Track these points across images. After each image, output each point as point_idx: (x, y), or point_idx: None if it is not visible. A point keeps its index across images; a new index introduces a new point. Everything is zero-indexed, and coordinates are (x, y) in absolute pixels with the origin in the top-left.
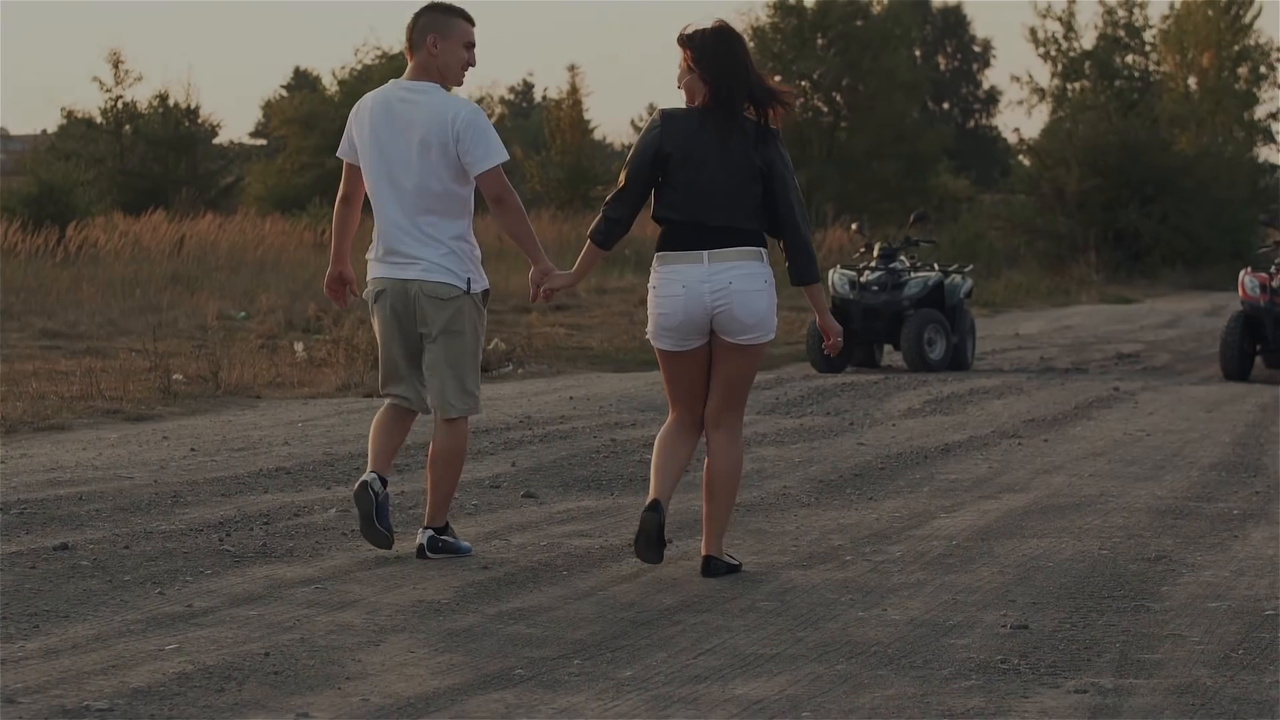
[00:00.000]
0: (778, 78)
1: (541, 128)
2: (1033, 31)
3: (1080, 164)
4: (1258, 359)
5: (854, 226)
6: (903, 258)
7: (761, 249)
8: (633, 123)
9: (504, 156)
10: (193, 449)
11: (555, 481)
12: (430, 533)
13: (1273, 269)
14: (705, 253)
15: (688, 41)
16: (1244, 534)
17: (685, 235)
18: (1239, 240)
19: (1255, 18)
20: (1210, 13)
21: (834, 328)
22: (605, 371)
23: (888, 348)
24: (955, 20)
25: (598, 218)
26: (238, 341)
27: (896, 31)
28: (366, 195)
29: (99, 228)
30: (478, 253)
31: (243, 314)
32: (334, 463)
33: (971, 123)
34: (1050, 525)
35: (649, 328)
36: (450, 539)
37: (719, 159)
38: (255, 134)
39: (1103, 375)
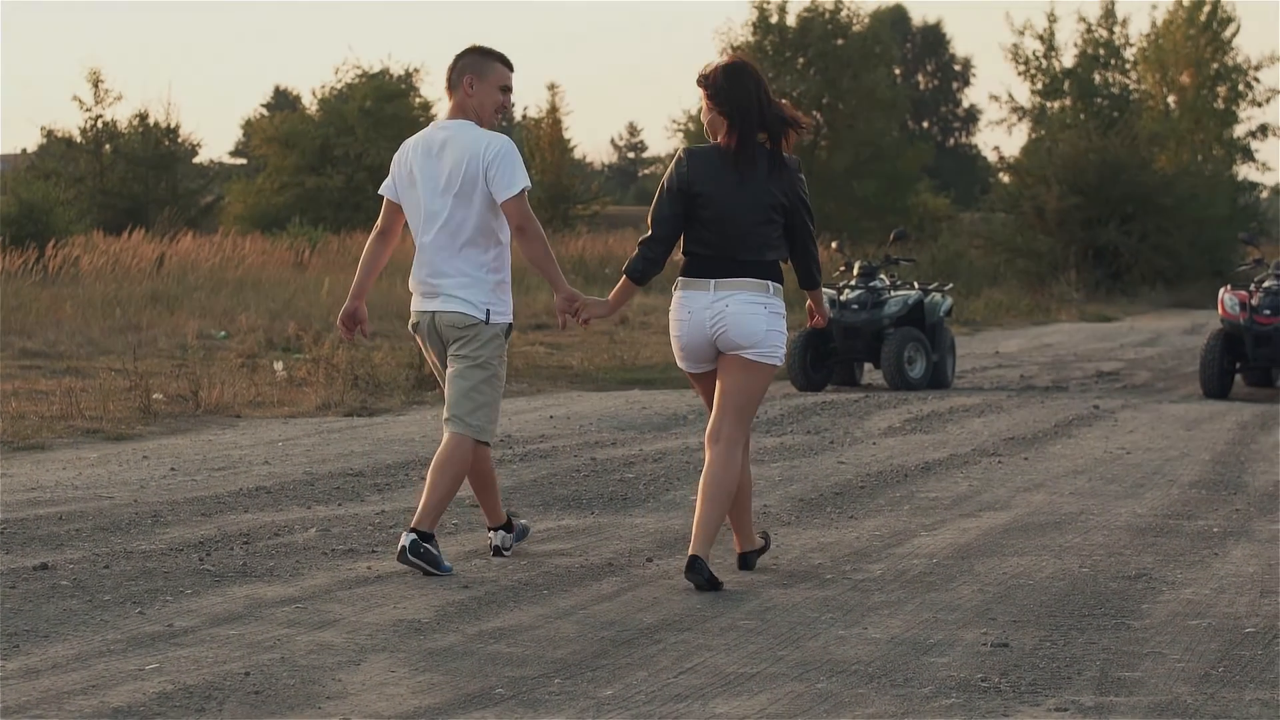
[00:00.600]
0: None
1: (521, 146)
2: (1013, 49)
3: (1060, 182)
4: (1237, 377)
5: (834, 245)
6: (882, 276)
7: (771, 282)
8: (612, 141)
9: (526, 184)
10: (173, 468)
11: (535, 500)
12: (414, 536)
13: (1252, 287)
14: (712, 281)
15: (703, 82)
16: (1224, 551)
17: (705, 265)
18: (1218, 258)
19: (1234, 35)
20: (1191, 31)
21: (825, 313)
22: (585, 390)
23: (868, 366)
24: (935, 39)
25: (634, 255)
26: (218, 361)
27: (876, 50)
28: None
29: (79, 247)
30: (506, 283)
31: (223, 333)
32: (314, 482)
33: (951, 141)
34: (1030, 543)
35: (675, 351)
36: (434, 550)
37: (739, 194)
38: (235, 153)
39: (1083, 393)
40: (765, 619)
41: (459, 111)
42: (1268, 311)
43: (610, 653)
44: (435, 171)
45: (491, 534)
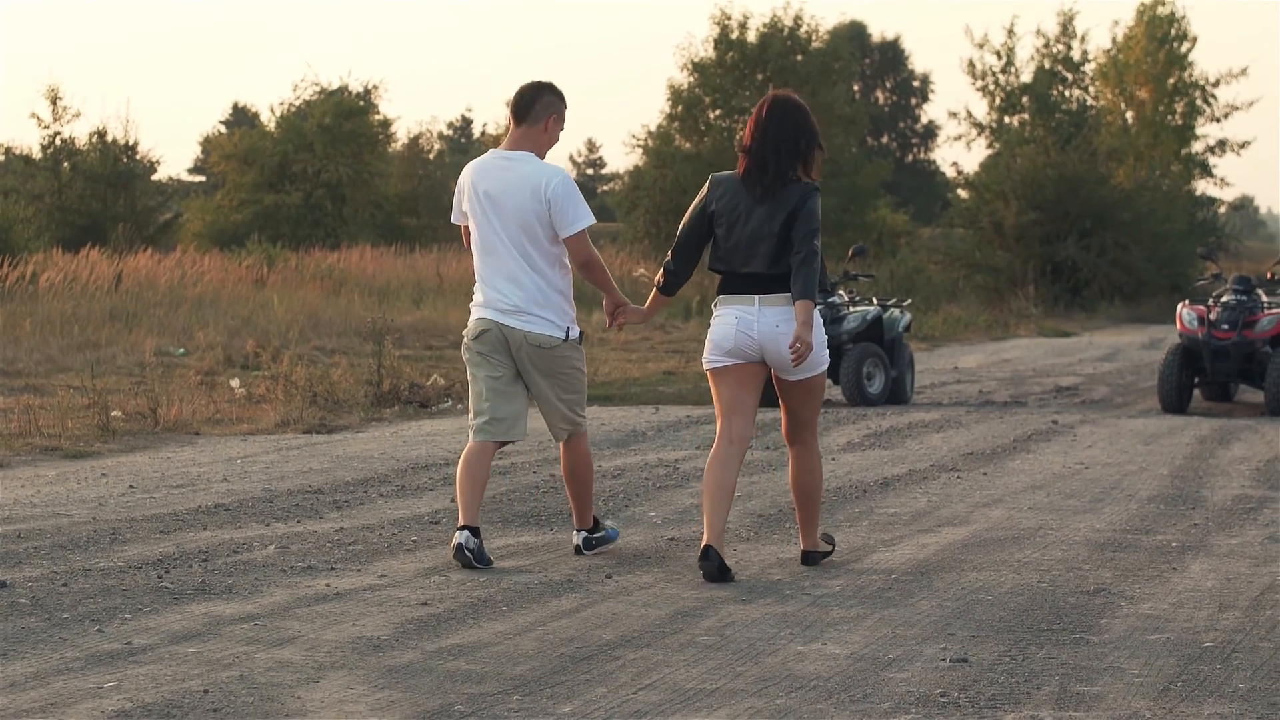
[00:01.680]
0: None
1: None
2: (970, 64)
3: (1018, 198)
4: (1195, 392)
5: None
6: (841, 292)
7: None
8: (570, 158)
9: (590, 221)
10: (131, 486)
11: (494, 517)
12: (584, 534)
13: (1210, 302)
14: (756, 297)
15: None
16: (1182, 566)
17: (734, 282)
18: (1176, 273)
19: (1190, 50)
20: (1150, 46)
21: (807, 341)
22: None
23: (827, 381)
24: (894, 54)
25: (660, 270)
26: (176, 378)
27: (835, 66)
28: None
29: (37, 264)
30: (571, 297)
31: (181, 350)
32: (273, 499)
33: (910, 157)
34: (989, 558)
35: (705, 355)
36: (597, 535)
37: (750, 215)
38: (194, 170)
39: (1041, 408)
40: (724, 635)
41: (527, 143)
42: (1225, 326)
43: (569, 669)
44: (502, 200)
45: (460, 533)
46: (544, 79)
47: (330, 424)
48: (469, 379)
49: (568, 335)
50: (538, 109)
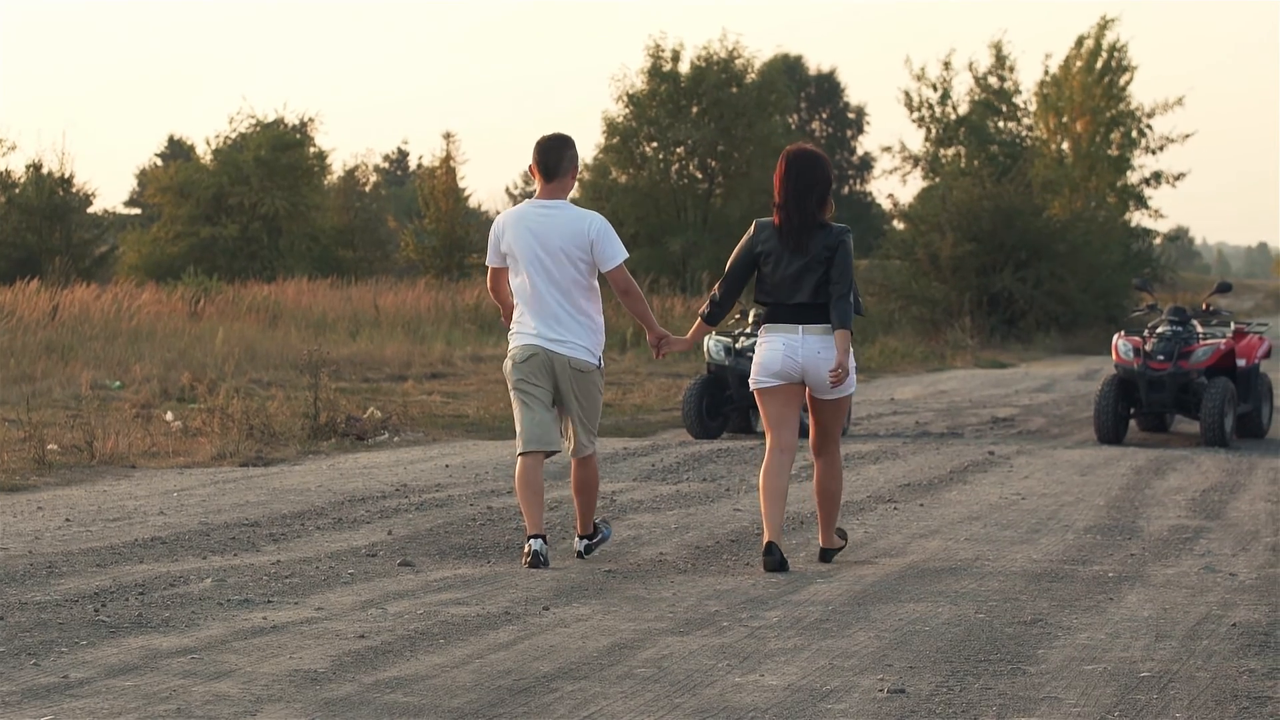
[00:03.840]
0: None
1: (416, 196)
2: (906, 95)
3: (954, 229)
4: (1131, 422)
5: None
6: None
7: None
8: (507, 190)
9: (625, 255)
10: (68, 519)
11: (432, 550)
12: (585, 541)
13: (1146, 333)
14: (800, 326)
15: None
16: (1119, 596)
17: (779, 312)
18: (1112, 304)
19: (1128, 83)
20: (1088, 79)
21: (845, 366)
22: (481, 439)
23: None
24: (829, 87)
25: (706, 302)
26: (112, 411)
27: (771, 98)
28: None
29: None
30: (602, 330)
31: (117, 383)
32: (210, 532)
33: (846, 189)
34: (926, 589)
35: (752, 377)
36: (595, 538)
37: (792, 253)
38: (130, 203)
39: (978, 439)
40: (662, 666)
41: (560, 193)
42: (1161, 357)
43: (507, 701)
44: (547, 241)
45: (532, 541)
46: (557, 133)
47: (267, 457)
48: (512, 398)
49: (600, 363)
50: (564, 165)
